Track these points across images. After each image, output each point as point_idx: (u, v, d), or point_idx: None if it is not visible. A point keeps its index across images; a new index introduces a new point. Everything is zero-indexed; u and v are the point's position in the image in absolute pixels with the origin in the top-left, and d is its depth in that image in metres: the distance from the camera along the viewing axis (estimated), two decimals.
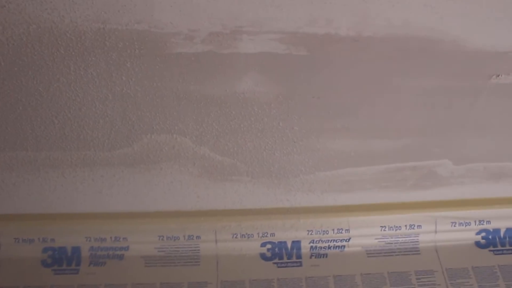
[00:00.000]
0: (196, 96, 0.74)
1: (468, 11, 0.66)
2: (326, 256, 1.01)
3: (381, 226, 1.01)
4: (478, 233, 1.05)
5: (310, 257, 1.01)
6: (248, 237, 1.01)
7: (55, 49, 0.68)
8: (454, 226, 1.03)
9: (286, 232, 1.01)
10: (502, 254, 1.04)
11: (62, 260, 1.00)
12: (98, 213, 0.97)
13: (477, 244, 1.05)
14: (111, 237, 0.99)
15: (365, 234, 1.01)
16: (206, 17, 0.63)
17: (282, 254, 1.01)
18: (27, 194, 0.94)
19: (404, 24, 0.66)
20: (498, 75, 0.75)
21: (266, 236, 1.01)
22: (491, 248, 1.05)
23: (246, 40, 0.66)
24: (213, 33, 0.65)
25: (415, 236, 1.03)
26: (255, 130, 0.80)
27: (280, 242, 1.01)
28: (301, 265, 1.01)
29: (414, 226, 1.02)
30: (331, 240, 1.01)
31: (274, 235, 1.01)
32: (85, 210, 0.97)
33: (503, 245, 1.05)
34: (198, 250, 1.00)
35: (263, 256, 1.01)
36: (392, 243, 1.02)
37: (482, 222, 1.04)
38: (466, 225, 1.03)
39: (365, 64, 0.71)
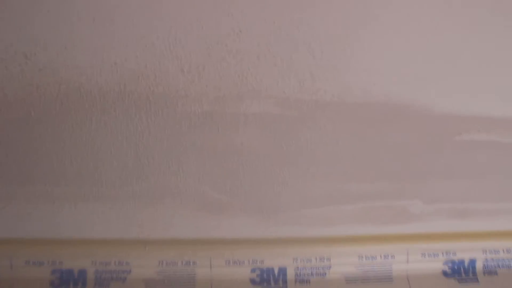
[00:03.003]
0: (201, 146, 0.86)
1: (435, 83, 0.79)
2: (309, 282, 1.12)
3: (358, 256, 1.12)
4: (445, 263, 1.17)
5: (295, 283, 1.12)
6: (240, 264, 1.11)
7: (80, 104, 0.78)
8: (424, 257, 1.15)
9: (273, 259, 1.11)
10: (466, 282, 1.16)
11: (69, 281, 1.09)
12: (104, 239, 1.07)
13: (444, 273, 1.16)
14: (115, 261, 1.09)
15: (345, 262, 1.12)
16: (212, 85, 0.75)
17: (269, 280, 1.12)
18: (40, 220, 1.04)
19: (381, 94, 0.78)
20: (460, 134, 0.88)
21: (256, 263, 1.11)
22: (456, 277, 1.17)
23: (247, 103, 0.78)
24: (219, 96, 0.77)
25: (389, 266, 1.14)
26: (250, 174, 0.92)
27: (268, 269, 1.12)
28: None
29: (388, 256, 1.13)
30: (314, 268, 1.12)
31: (263, 262, 1.11)
32: (92, 236, 1.06)
33: (467, 274, 1.17)
34: (194, 274, 1.10)
35: (253, 281, 1.11)
36: (368, 271, 1.13)
37: (448, 254, 1.16)
38: (434, 256, 1.15)
39: (347, 124, 0.83)
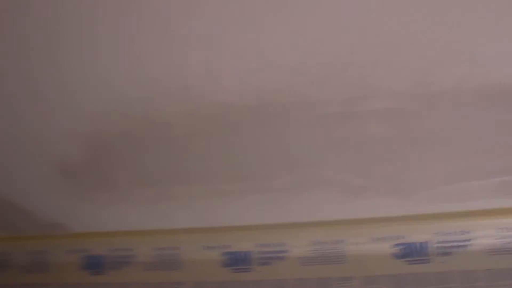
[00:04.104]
0: (339, 140, 0.99)
1: None
2: (451, 254, 1.20)
3: (498, 228, 1.17)
4: None
5: (437, 255, 1.21)
6: (383, 240, 1.23)
7: (238, 117, 0.96)
8: None
9: (414, 235, 1.21)
10: None
11: (237, 262, 1.30)
12: (264, 225, 1.26)
13: None
14: (274, 244, 1.27)
15: (485, 235, 1.18)
16: (339, 91, 0.87)
17: (412, 253, 1.22)
18: (208, 212, 1.25)
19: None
20: None
21: (398, 239, 1.22)
22: None
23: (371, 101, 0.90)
24: (346, 99, 0.89)
25: None
26: (385, 160, 1.03)
27: (410, 244, 1.22)
28: (428, 262, 1.20)
29: None
30: (455, 241, 1.19)
31: (405, 238, 1.22)
32: (254, 223, 1.26)
33: None
34: (343, 251, 1.24)
35: (397, 255, 1.22)
36: (509, 242, 1.18)
37: None
38: None
39: (467, 107, 0.91)
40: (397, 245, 1.21)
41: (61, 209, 1.33)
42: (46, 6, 0.77)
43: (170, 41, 0.82)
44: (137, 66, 0.88)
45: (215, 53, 0.83)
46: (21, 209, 1.36)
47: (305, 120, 0.96)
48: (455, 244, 1.18)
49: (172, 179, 1.15)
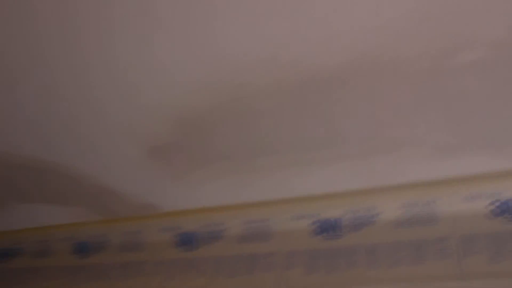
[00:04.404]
0: (429, 97, 0.97)
1: None
2: None
3: None
4: None
5: None
6: (477, 198, 1.19)
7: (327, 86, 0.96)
8: None
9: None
10: None
11: (328, 229, 1.31)
12: (351, 191, 1.26)
13: None
14: (363, 208, 1.27)
15: None
16: (428, 46, 0.85)
17: (510, 210, 1.18)
18: (296, 182, 1.27)
19: None
20: None
21: (494, 196, 1.18)
22: None
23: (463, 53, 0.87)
24: (436, 54, 0.87)
25: None
26: (476, 115, 1.00)
27: (508, 200, 1.18)
28: None
29: None
30: None
31: (501, 195, 1.18)
32: (342, 189, 1.26)
33: None
34: (435, 212, 1.21)
35: (494, 213, 1.19)
36: None
37: None
38: None
39: None
40: (493, 202, 1.18)
41: (152, 189, 1.39)
42: None
43: (255, 10, 0.83)
44: (224, 39, 0.90)
45: (301, 19, 0.83)
46: (114, 192, 1.44)
47: (393, 79, 0.95)
48: None
49: (259, 150, 1.17)
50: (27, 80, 1.06)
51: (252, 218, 1.36)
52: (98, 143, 1.26)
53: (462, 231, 1.18)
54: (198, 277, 1.40)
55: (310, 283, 1.25)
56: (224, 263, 1.38)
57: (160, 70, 0.98)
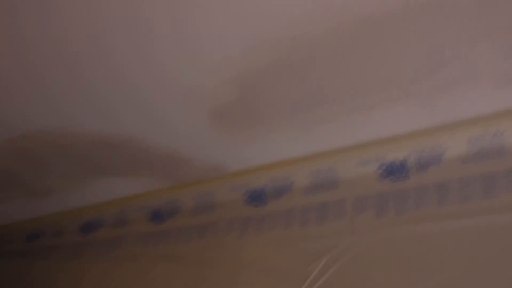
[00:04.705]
0: (491, 27, 0.95)
1: None
2: None
3: None
4: None
5: None
6: None
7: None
8: None
9: None
10: None
11: (394, 171, 1.32)
12: (415, 131, 1.26)
13: None
14: (429, 147, 1.26)
15: None
16: None
17: None
18: (359, 127, 1.28)
19: None
20: None
21: None
22: None
23: None
24: None
25: None
26: None
27: None
28: None
29: None
30: None
31: None
32: (406, 130, 1.26)
33: None
34: (503, 144, 1.19)
35: None
36: None
37: None
38: None
39: None
40: None
41: (219, 151, 1.45)
42: None
43: None
44: None
45: None
46: (183, 158, 1.51)
47: (451, 12, 0.94)
48: None
49: (319, 100, 1.19)
50: (90, 55, 1.12)
51: (318, 168, 1.39)
52: (163, 111, 1.32)
53: None
54: (271, 231, 1.46)
55: (381, 226, 1.28)
56: (295, 215, 1.43)
57: (218, 29, 1.01)
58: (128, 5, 0.97)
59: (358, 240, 1.29)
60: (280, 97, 1.20)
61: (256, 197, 1.51)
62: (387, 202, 1.30)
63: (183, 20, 0.99)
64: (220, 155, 1.47)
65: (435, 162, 1.27)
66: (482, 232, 1.14)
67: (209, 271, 1.52)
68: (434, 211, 1.23)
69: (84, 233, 2.01)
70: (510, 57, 1.04)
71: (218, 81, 1.17)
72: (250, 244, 1.47)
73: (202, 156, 1.49)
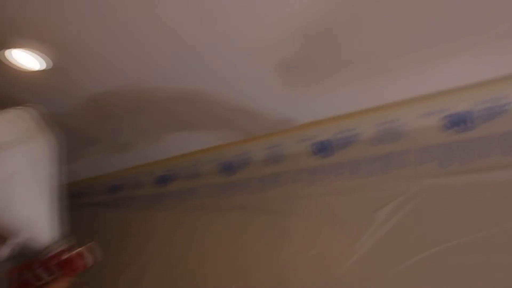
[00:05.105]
0: None
1: None
2: None
3: None
4: None
5: None
6: None
7: None
8: None
9: None
10: None
11: (459, 123, 1.35)
12: (481, 81, 1.27)
13: None
14: (493, 98, 1.28)
15: None
16: None
17: None
18: (423, 79, 1.32)
19: None
20: None
21: None
22: None
23: None
24: None
25: None
26: None
27: None
28: None
29: None
30: None
31: None
32: (470, 81, 1.28)
33: None
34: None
35: None
36: None
37: None
38: None
39: None
40: None
41: (286, 104, 1.53)
42: None
43: None
44: None
45: None
46: (251, 112, 1.59)
47: None
48: None
49: (384, 52, 1.23)
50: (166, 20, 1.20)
51: (383, 120, 1.44)
52: (232, 68, 1.39)
53: None
54: (337, 180, 1.54)
55: (445, 175, 1.33)
56: (360, 165, 1.50)
57: None
58: None
59: (422, 189, 1.35)
60: (345, 50, 1.24)
61: (323, 148, 1.59)
62: (451, 153, 1.34)
63: None
64: (288, 108, 1.54)
65: (500, 112, 1.29)
66: None
67: (279, 219, 1.62)
68: (498, 160, 1.27)
69: (159, 185, 2.17)
70: None
71: (283, 37, 1.20)
72: (317, 193, 1.56)
73: (270, 109, 1.56)
